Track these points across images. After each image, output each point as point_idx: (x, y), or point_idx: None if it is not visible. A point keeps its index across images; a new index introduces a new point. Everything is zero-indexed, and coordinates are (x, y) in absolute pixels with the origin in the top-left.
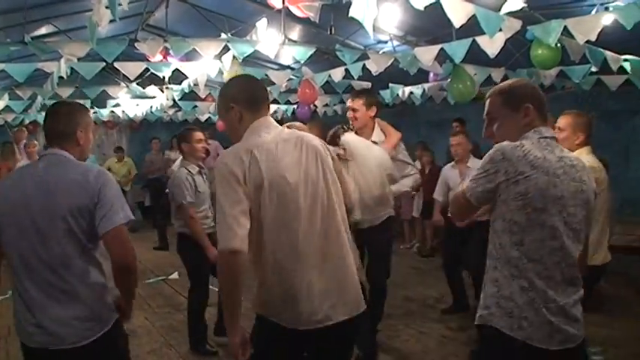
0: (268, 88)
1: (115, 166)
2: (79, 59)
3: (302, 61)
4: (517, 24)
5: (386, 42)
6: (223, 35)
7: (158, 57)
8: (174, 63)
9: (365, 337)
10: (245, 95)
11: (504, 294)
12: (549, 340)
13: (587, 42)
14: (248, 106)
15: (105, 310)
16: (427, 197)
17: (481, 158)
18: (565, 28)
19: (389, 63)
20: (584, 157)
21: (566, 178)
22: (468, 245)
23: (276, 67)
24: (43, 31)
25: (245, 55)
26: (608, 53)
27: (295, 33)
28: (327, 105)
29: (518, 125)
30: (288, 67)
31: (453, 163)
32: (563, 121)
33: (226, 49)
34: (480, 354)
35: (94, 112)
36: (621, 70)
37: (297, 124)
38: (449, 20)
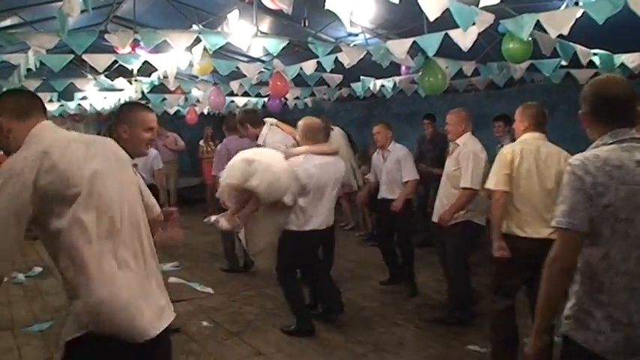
0: (239, 81)
1: None
2: (47, 51)
3: (274, 54)
4: (490, 18)
5: (357, 35)
6: (195, 27)
7: (127, 49)
8: (144, 55)
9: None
10: (10, 105)
11: (583, 307)
12: (624, 355)
13: (559, 36)
14: (16, 116)
15: None
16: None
17: (445, 147)
18: (537, 22)
19: (361, 56)
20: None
21: None
22: (397, 224)
23: (246, 59)
24: (8, 22)
25: (217, 47)
26: (578, 47)
27: (267, 25)
28: (297, 98)
29: (588, 132)
30: (259, 59)
31: (378, 149)
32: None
33: (198, 40)
34: None
35: (61, 105)
36: (590, 64)
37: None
38: (421, 13)
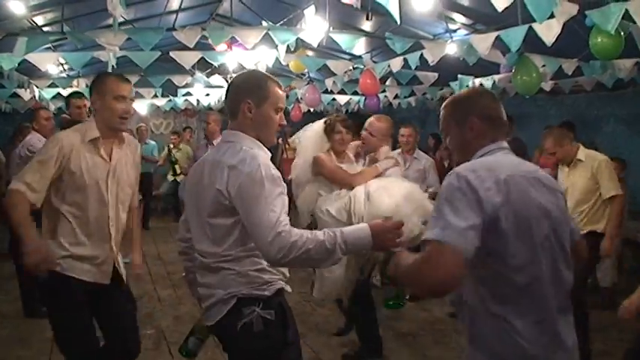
0: (333, 78)
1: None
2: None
3: (348, 50)
4: (573, 9)
5: (455, 31)
6: (264, 23)
7: (223, 47)
8: (233, 52)
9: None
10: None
11: None
12: None
13: None
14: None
15: None
16: None
17: None
18: (627, 12)
19: (444, 52)
20: None
21: None
22: None
23: (348, 57)
24: (110, 21)
25: (287, 42)
26: None
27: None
28: (397, 96)
29: None
30: (359, 56)
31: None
32: None
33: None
34: None
35: (169, 100)
36: None
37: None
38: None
